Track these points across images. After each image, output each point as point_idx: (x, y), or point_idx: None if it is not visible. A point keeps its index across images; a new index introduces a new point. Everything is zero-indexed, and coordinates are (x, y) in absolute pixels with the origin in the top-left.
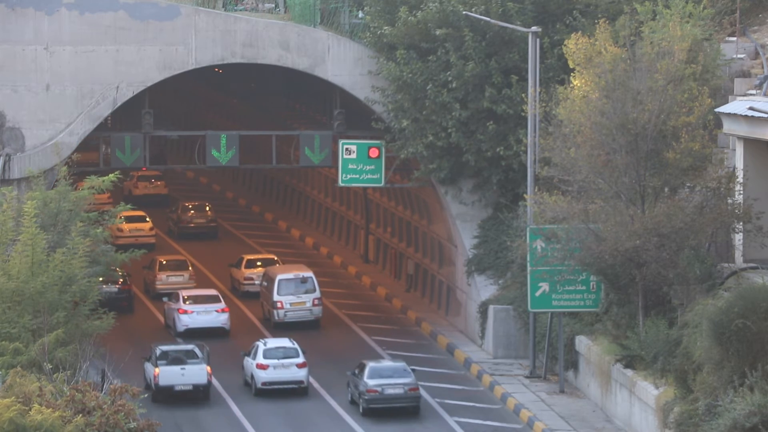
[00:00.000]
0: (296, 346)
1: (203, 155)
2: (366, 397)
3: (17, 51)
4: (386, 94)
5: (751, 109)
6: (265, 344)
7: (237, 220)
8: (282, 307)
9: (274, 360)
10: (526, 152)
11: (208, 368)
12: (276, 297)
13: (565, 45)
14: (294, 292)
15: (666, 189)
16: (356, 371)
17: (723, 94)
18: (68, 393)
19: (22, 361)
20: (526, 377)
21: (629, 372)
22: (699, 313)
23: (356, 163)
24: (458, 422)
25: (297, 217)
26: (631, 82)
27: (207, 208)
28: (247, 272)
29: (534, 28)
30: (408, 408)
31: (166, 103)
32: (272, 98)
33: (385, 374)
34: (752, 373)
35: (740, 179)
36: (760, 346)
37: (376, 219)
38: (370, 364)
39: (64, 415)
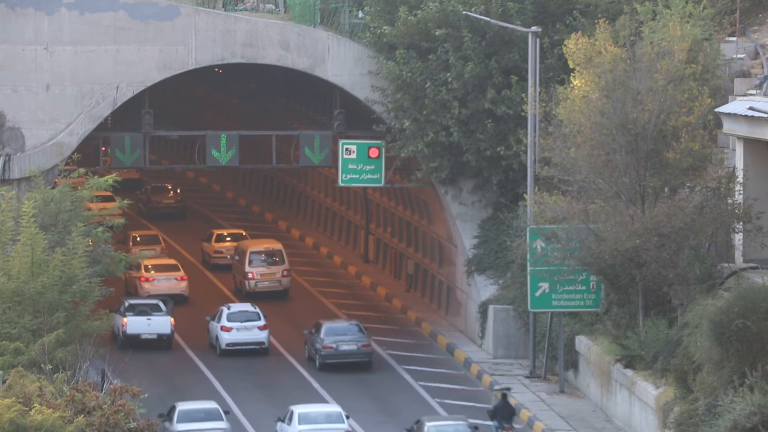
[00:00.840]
0: (258, 310)
1: (203, 155)
2: (322, 353)
3: (17, 51)
4: (386, 93)
5: (751, 109)
6: (228, 309)
7: (237, 219)
8: (253, 278)
9: (237, 323)
10: (526, 152)
11: (172, 320)
12: (247, 268)
13: (565, 45)
14: (264, 264)
15: (666, 189)
16: (313, 330)
17: (723, 94)
18: (68, 393)
19: (23, 361)
20: (526, 377)
21: (629, 372)
22: (699, 313)
23: (356, 163)
24: None
25: (297, 217)
26: (631, 82)
27: (177, 190)
28: (217, 246)
29: (534, 28)
30: (361, 363)
31: (166, 103)
32: (272, 98)
33: (339, 332)
34: (752, 373)
35: (740, 179)
36: (760, 346)
37: (376, 219)
38: (326, 324)
39: (64, 415)
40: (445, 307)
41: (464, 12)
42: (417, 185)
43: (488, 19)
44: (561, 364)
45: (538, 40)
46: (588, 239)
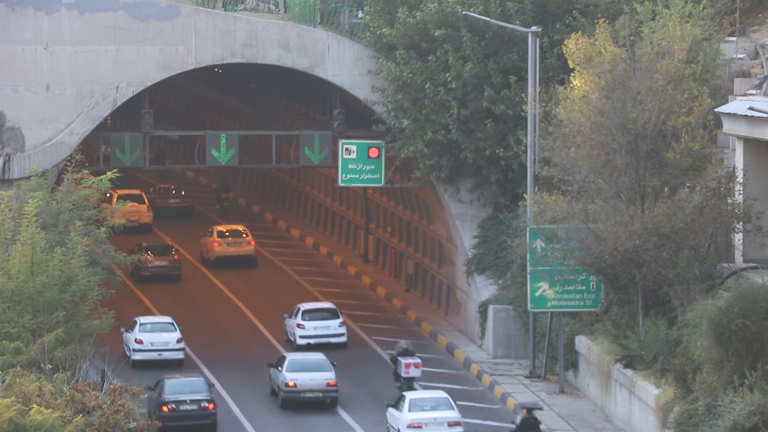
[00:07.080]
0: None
1: (203, 155)
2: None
3: (17, 51)
4: (386, 94)
5: (751, 109)
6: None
7: (236, 220)
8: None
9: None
10: (525, 152)
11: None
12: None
13: (564, 45)
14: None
15: (666, 189)
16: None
17: (723, 94)
18: (68, 393)
19: (22, 360)
20: (526, 377)
21: (629, 372)
22: (699, 313)
23: (356, 163)
24: None
25: (297, 217)
26: (631, 82)
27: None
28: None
29: (534, 28)
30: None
31: (166, 103)
32: (272, 98)
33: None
34: (752, 373)
35: (740, 179)
36: (760, 346)
37: (376, 219)
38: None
39: (64, 415)
40: (445, 307)
41: (463, 12)
42: (417, 185)
43: (487, 19)
44: (561, 364)
45: (537, 39)
46: (588, 239)
